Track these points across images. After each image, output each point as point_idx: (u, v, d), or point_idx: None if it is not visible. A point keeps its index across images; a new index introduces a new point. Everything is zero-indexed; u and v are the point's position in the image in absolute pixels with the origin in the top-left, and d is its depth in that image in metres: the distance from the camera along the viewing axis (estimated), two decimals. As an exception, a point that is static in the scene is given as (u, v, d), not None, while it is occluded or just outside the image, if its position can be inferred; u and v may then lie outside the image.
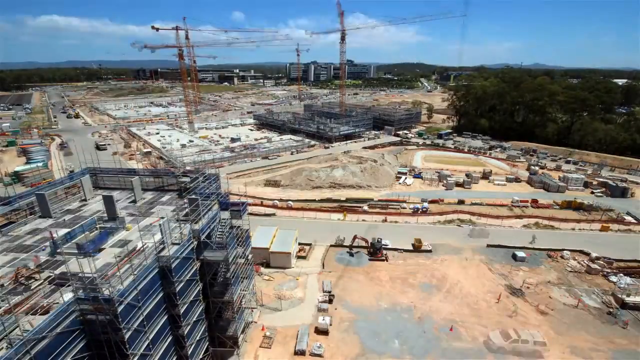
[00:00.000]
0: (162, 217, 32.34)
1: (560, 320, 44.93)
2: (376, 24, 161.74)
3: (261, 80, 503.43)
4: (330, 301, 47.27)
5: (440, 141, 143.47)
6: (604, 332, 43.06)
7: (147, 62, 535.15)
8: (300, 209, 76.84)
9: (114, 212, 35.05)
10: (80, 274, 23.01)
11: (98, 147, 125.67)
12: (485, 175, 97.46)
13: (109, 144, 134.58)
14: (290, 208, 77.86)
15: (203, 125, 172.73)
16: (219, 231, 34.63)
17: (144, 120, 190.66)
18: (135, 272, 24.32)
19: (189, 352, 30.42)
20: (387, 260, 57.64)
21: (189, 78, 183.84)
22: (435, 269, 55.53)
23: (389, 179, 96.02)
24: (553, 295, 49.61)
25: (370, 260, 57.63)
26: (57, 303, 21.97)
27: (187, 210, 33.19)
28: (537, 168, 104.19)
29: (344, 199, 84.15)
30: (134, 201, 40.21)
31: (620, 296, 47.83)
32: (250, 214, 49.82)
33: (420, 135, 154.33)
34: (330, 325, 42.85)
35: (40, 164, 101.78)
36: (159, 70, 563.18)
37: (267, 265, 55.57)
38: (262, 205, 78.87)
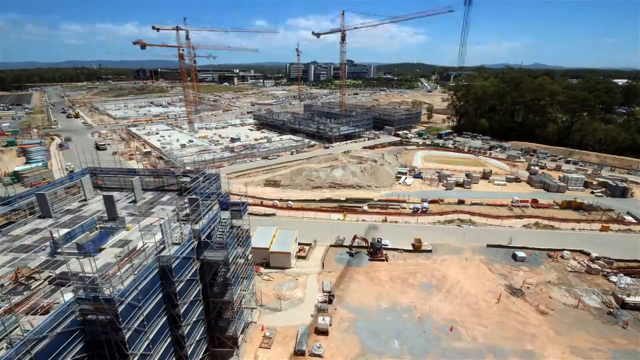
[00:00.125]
0: (163, 217, 32.33)
1: (560, 320, 44.94)
2: (374, 23, 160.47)
3: (261, 80, 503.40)
4: (330, 301, 47.27)
5: (440, 141, 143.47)
6: (604, 332, 43.08)
7: (147, 62, 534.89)
8: (300, 209, 76.84)
9: (114, 212, 35.06)
10: (80, 274, 23.03)
11: (98, 147, 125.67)
12: (485, 175, 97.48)
13: (108, 144, 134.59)
14: (290, 208, 77.85)
15: (203, 125, 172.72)
16: (219, 231, 34.63)
17: (144, 120, 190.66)
18: (135, 272, 24.33)
19: (189, 352, 30.43)
20: (387, 260, 57.65)
21: (189, 78, 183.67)
22: (435, 269, 55.53)
23: (388, 179, 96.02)
24: (553, 295, 49.61)
25: (370, 260, 57.65)
26: (57, 303, 21.97)
27: (187, 210, 33.20)
28: (537, 168, 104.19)
29: (344, 199, 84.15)
30: (134, 201, 40.21)
31: (620, 296, 47.85)
32: (250, 214, 49.81)
33: (420, 135, 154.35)
34: (330, 325, 42.86)
35: (40, 164, 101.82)
36: (159, 70, 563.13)
37: (267, 265, 55.58)
38: (262, 205, 78.87)
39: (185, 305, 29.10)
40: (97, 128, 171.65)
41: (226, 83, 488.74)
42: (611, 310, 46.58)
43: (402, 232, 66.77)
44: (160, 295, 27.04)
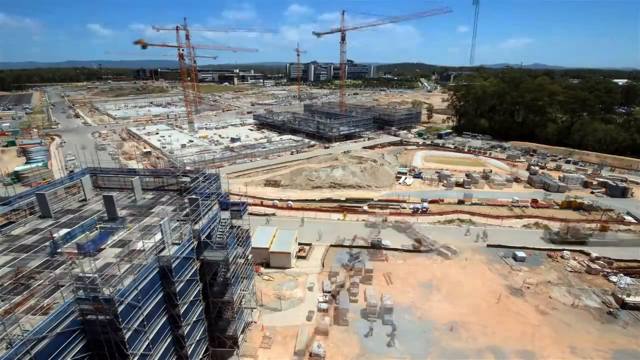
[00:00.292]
0: (162, 217, 32.33)
1: (560, 320, 44.93)
2: (374, 23, 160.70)
3: (261, 80, 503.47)
4: (330, 301, 47.24)
5: (440, 141, 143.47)
6: (604, 332, 43.07)
7: (147, 62, 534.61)
8: (300, 209, 76.86)
9: (114, 212, 35.05)
10: (80, 274, 23.03)
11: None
12: (486, 175, 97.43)
13: (108, 144, 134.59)
14: (290, 208, 77.86)
15: (203, 125, 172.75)
16: (219, 231, 34.62)
17: (144, 120, 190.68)
18: (135, 272, 24.33)
19: (189, 352, 30.42)
20: (386, 261, 57.63)
21: (189, 78, 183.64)
22: (436, 269, 55.54)
23: (388, 179, 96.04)
24: (553, 295, 49.61)
25: (370, 260, 57.62)
26: (57, 303, 21.98)
27: (187, 210, 33.20)
28: (537, 168, 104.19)
29: (344, 199, 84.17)
30: (134, 201, 40.21)
31: (620, 296, 47.85)
32: (250, 214, 49.82)
33: (420, 135, 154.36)
34: (331, 325, 42.85)
35: (40, 164, 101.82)
36: (159, 70, 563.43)
37: (267, 265, 55.60)
38: (262, 205, 78.89)
39: (185, 305, 29.09)
40: (97, 128, 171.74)
41: (226, 83, 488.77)
42: (611, 310, 46.59)
43: (402, 232, 66.77)
44: (160, 295, 27.04)
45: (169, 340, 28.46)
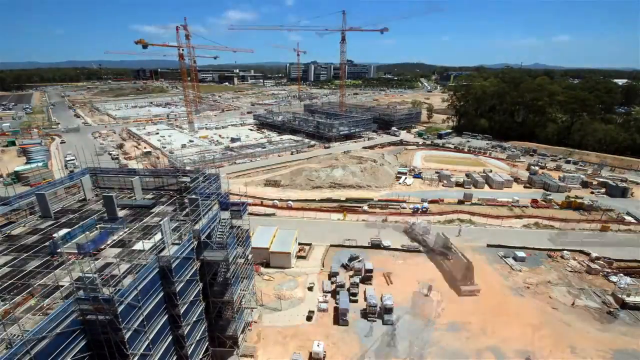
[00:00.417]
0: (162, 217, 32.32)
1: (560, 320, 44.92)
2: (371, 29, 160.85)
3: (261, 80, 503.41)
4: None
5: (440, 141, 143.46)
6: (604, 332, 43.07)
7: (147, 62, 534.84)
8: (300, 209, 76.84)
9: (114, 212, 35.04)
10: (80, 274, 23.02)
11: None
12: (486, 175, 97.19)
13: (108, 144, 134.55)
14: (290, 208, 77.85)
15: (203, 125, 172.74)
16: (219, 231, 34.61)
17: (144, 120, 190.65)
18: (135, 272, 24.32)
19: (189, 352, 30.41)
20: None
21: (189, 78, 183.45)
22: (436, 269, 55.49)
23: (388, 179, 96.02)
24: (553, 295, 49.58)
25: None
26: (57, 303, 21.97)
27: (187, 210, 33.19)
28: (537, 168, 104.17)
29: (344, 199, 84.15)
30: (134, 201, 40.14)
31: (620, 296, 47.85)
32: (250, 214, 49.79)
33: (420, 135, 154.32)
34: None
35: (40, 164, 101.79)
36: (159, 70, 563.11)
37: (267, 265, 55.59)
38: (262, 205, 78.88)
39: (185, 305, 29.08)
40: (97, 128, 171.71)
41: (226, 83, 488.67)
42: (611, 310, 46.57)
43: (402, 232, 66.75)
44: (160, 295, 27.02)
45: (169, 340, 28.44)
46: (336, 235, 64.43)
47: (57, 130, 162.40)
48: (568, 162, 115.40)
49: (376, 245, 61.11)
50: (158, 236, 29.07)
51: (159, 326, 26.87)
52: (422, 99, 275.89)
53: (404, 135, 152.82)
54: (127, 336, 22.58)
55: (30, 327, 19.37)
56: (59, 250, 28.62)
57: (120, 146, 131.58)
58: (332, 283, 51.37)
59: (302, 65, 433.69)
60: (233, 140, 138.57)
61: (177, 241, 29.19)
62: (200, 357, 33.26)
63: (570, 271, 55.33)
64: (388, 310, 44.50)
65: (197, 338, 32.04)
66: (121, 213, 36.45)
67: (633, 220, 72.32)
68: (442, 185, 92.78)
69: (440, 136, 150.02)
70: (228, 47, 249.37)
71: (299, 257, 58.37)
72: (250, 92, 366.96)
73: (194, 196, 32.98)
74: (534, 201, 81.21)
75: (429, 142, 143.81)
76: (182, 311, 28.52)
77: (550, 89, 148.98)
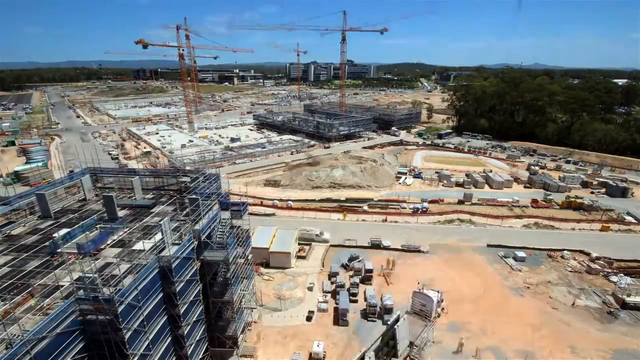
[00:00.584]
0: (163, 217, 32.31)
1: (560, 320, 44.91)
2: (371, 29, 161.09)
3: (261, 80, 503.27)
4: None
5: (440, 141, 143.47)
6: (604, 332, 43.06)
7: (147, 62, 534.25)
8: (300, 209, 76.84)
9: (114, 212, 35.03)
10: (80, 274, 23.00)
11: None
12: (486, 175, 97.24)
13: (108, 143, 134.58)
14: (290, 208, 77.84)
15: (203, 125, 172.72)
16: (219, 231, 34.60)
17: (144, 120, 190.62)
18: (135, 272, 24.31)
19: (189, 352, 30.40)
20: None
21: (189, 78, 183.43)
22: (436, 269, 55.50)
23: (388, 179, 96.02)
24: (553, 295, 49.57)
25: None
26: (57, 303, 21.96)
27: (187, 210, 33.18)
28: (537, 168, 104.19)
29: (343, 199, 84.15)
30: (134, 201, 40.13)
31: (620, 296, 47.83)
32: (250, 213, 49.78)
33: (420, 135, 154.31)
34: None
35: (40, 164, 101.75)
36: (159, 70, 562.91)
37: (267, 265, 55.58)
38: (262, 205, 78.88)
39: (185, 305, 29.07)
40: (97, 128, 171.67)
41: (226, 83, 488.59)
42: (611, 310, 46.56)
43: (402, 232, 66.73)
44: (160, 295, 27.02)
45: (168, 340, 28.44)
46: (336, 235, 64.34)
47: (57, 130, 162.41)
48: (568, 162, 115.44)
49: (376, 245, 61.06)
50: (158, 236, 29.07)
51: (158, 326, 26.86)
52: (422, 99, 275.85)
53: (403, 135, 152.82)
54: (127, 336, 22.56)
55: (31, 327, 19.36)
56: (59, 250, 28.60)
57: (121, 146, 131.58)
58: (332, 283, 51.36)
59: (302, 65, 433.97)
60: (233, 140, 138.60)
61: (177, 241, 29.18)
62: (200, 357, 33.26)
63: (571, 271, 55.32)
64: (388, 310, 44.46)
65: (197, 338, 32.04)
66: (121, 213, 36.44)
67: (633, 220, 72.33)
68: (442, 185, 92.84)
69: (440, 136, 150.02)
70: (228, 47, 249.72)
71: (298, 257, 58.37)
72: (250, 92, 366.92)
73: (194, 196, 32.96)
74: (534, 201, 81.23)
75: (429, 142, 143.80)
76: (182, 311, 28.52)
77: (550, 89, 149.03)
